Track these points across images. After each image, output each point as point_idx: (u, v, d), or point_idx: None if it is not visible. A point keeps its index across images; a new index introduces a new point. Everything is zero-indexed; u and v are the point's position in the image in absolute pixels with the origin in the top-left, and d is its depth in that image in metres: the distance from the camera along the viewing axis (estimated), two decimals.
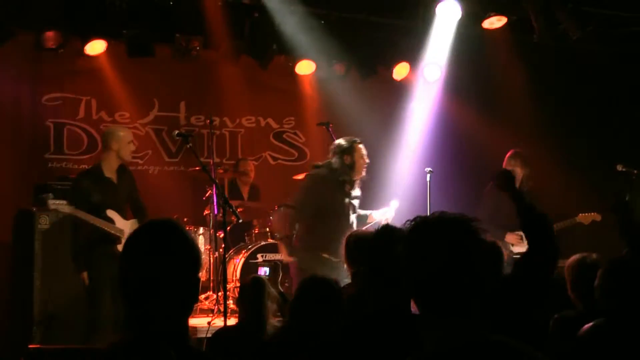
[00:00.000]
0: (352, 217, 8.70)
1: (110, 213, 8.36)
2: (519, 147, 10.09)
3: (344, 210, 8.60)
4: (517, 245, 9.48)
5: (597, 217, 9.64)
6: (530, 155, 9.99)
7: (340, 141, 8.68)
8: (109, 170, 8.54)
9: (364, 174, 8.69)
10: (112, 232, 8.22)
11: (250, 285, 6.43)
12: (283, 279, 9.55)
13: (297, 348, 4.77)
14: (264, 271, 9.49)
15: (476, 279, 2.61)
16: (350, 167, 8.60)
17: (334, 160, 8.60)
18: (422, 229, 2.74)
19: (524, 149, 10.02)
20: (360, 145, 8.68)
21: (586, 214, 9.64)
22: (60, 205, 7.99)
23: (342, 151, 8.60)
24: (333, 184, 8.55)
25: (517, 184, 9.35)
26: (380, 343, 3.89)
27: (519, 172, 9.66)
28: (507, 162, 9.84)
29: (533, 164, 9.95)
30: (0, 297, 9.87)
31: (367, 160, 8.68)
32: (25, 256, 9.38)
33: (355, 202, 8.78)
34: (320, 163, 8.84)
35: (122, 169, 8.68)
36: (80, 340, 8.39)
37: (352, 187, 8.67)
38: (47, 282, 9.24)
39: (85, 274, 8.32)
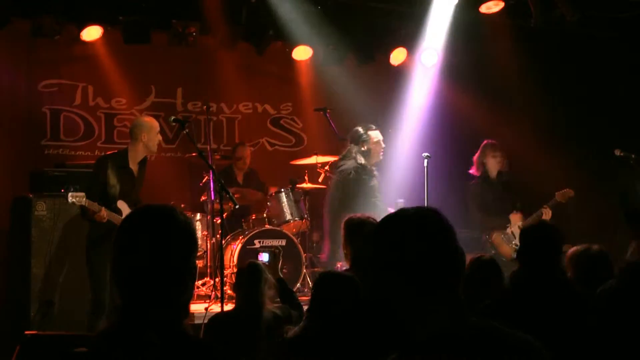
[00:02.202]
0: (377, 200, 9.16)
1: (121, 204, 8.34)
2: (502, 134, 10.28)
3: (371, 194, 9.18)
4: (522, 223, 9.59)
5: (570, 192, 9.71)
6: (499, 143, 10.10)
7: (357, 129, 9.38)
8: (133, 161, 8.51)
9: (380, 158, 9.37)
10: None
11: (247, 271, 6.42)
12: (282, 265, 9.55)
13: (319, 347, 4.72)
14: (263, 257, 9.49)
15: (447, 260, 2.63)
16: (367, 154, 9.28)
17: (352, 148, 9.28)
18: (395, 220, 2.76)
19: (494, 139, 10.16)
20: (375, 132, 9.35)
21: (561, 191, 9.70)
22: (77, 197, 7.95)
23: (358, 138, 9.29)
24: (357, 173, 9.21)
25: (495, 173, 9.64)
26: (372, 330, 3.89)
27: (496, 162, 9.82)
28: (482, 151, 9.96)
29: (504, 149, 10.09)
30: None
31: (383, 145, 9.36)
32: (22, 243, 9.38)
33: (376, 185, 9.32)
34: (340, 156, 9.53)
35: (144, 161, 8.65)
36: (80, 327, 8.39)
37: (371, 172, 9.27)
38: (44, 268, 9.25)
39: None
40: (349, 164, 9.40)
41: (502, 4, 10.89)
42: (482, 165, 9.97)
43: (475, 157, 10.02)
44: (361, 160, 9.36)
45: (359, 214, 6.22)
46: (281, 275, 7.03)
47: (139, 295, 2.73)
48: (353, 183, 9.32)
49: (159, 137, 8.65)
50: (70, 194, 7.88)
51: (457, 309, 2.57)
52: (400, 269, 2.58)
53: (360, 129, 9.44)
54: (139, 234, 2.78)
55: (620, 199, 10.24)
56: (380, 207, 8.94)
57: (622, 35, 11.50)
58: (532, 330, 2.60)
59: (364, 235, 5.45)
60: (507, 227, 9.70)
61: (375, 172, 9.36)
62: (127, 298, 2.75)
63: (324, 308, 4.84)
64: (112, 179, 8.33)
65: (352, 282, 4.90)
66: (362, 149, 9.34)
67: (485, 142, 10.05)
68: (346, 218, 6.23)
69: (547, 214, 9.52)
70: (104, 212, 8.01)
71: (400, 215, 2.71)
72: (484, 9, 10.95)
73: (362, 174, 9.34)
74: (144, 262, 2.72)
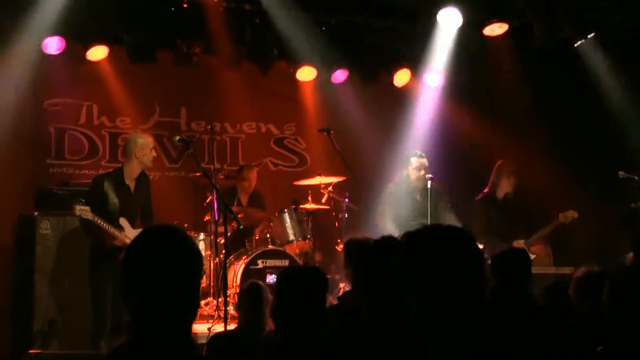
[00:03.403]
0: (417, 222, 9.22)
1: (122, 221, 8.36)
2: (507, 155, 10.25)
3: (411, 215, 9.44)
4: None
5: (574, 214, 9.72)
6: (515, 166, 10.17)
7: (407, 153, 9.91)
8: (129, 178, 8.56)
9: (419, 182, 9.57)
10: (122, 241, 8.16)
11: (247, 291, 6.45)
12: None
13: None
14: (271, 279, 9.52)
15: (476, 280, 2.65)
16: (408, 178, 9.63)
17: (402, 171, 9.78)
18: (425, 237, 2.78)
19: (507, 161, 10.19)
20: (414, 158, 9.70)
21: (564, 213, 9.71)
22: (84, 211, 7.98)
23: (403, 164, 9.77)
24: (402, 192, 9.63)
25: (502, 194, 9.69)
26: (376, 352, 3.89)
27: (509, 184, 9.85)
28: (498, 172, 9.98)
29: (518, 174, 10.12)
30: (2, 302, 9.88)
31: (422, 173, 9.60)
32: (26, 261, 9.41)
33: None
34: None
35: (141, 177, 8.68)
36: (83, 345, 8.40)
37: (414, 195, 9.58)
38: (48, 286, 9.27)
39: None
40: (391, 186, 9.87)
41: (506, 27, 10.89)
42: (494, 185, 9.97)
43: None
44: (401, 181, 9.74)
45: (359, 235, 6.23)
46: None
47: (147, 315, 2.76)
48: (386, 201, 9.70)
49: (154, 153, 8.73)
50: (77, 206, 7.93)
51: (476, 338, 2.59)
52: (421, 292, 2.60)
53: (409, 154, 9.85)
54: (148, 256, 2.82)
55: (623, 221, 10.22)
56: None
57: (625, 57, 11.50)
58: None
59: (364, 257, 5.44)
60: None
61: (430, 184, 9.48)
62: (135, 317, 2.78)
63: (291, 303, 4.70)
64: (112, 196, 8.37)
65: (318, 273, 4.84)
66: (405, 172, 9.69)
67: (501, 162, 10.08)
68: (347, 239, 6.25)
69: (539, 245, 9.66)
70: (107, 226, 8.06)
71: (430, 237, 2.74)
72: (488, 31, 10.96)
73: (397, 193, 9.68)
74: (153, 283, 2.76)
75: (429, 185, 9.28)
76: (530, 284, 6.03)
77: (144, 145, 8.59)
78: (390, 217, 9.53)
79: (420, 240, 2.79)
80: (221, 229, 8.91)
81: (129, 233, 8.26)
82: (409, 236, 2.82)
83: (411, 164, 9.58)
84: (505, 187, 9.95)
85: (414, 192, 9.66)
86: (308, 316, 4.54)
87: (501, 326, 4.60)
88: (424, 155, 9.69)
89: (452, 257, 2.68)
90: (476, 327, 2.62)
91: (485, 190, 10.03)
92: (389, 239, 4.41)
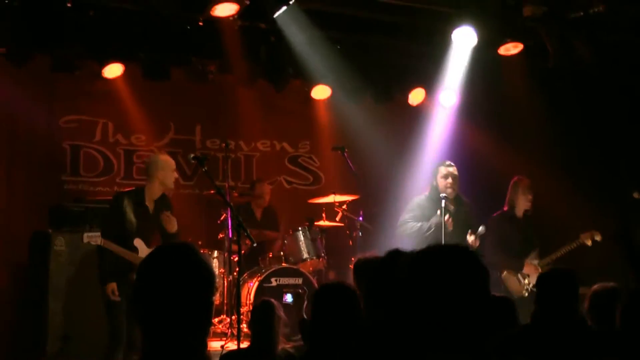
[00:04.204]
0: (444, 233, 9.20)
1: (137, 242, 8.32)
2: (522, 174, 10.19)
3: (437, 232, 9.23)
4: (533, 276, 9.45)
5: (597, 235, 9.63)
6: (531, 182, 10.10)
7: (435, 163, 9.78)
8: (149, 199, 8.48)
9: (447, 191, 9.40)
10: (136, 262, 8.12)
11: (259, 309, 6.43)
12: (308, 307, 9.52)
13: None
14: (287, 297, 9.52)
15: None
16: (436, 188, 9.48)
17: (432, 181, 9.62)
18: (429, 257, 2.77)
19: (526, 176, 10.16)
20: (442, 167, 9.57)
21: (587, 233, 9.62)
22: (93, 237, 7.95)
23: (431, 174, 9.64)
24: (429, 204, 9.51)
25: (522, 211, 9.63)
26: None
27: (527, 201, 9.80)
28: (514, 188, 9.93)
29: (534, 190, 10.07)
30: (16, 318, 9.91)
31: (449, 180, 9.45)
32: (40, 277, 9.43)
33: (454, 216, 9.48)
34: None
35: (161, 199, 8.63)
36: None
37: (443, 205, 9.31)
38: (62, 303, 9.28)
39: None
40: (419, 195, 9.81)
41: (520, 46, 10.89)
42: (512, 202, 9.91)
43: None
44: (430, 192, 9.62)
45: (368, 254, 6.21)
46: (305, 317, 6.98)
47: (160, 332, 2.75)
48: (410, 210, 9.65)
49: (175, 175, 8.63)
50: (85, 234, 7.89)
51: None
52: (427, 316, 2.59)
53: (437, 163, 9.77)
54: (160, 273, 2.81)
55: (619, 240, 10.08)
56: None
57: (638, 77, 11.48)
58: None
59: (371, 275, 5.42)
60: (521, 270, 9.61)
61: (444, 202, 9.31)
62: (148, 335, 2.77)
63: (325, 321, 4.67)
64: (130, 216, 8.31)
65: (352, 292, 4.79)
66: (433, 184, 9.57)
67: (517, 178, 10.04)
68: (356, 259, 6.23)
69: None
70: (121, 252, 8.03)
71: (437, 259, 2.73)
72: (502, 50, 10.96)
73: (423, 204, 9.61)
74: (165, 300, 2.76)
75: (442, 204, 9.22)
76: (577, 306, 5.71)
77: (166, 166, 8.50)
78: (411, 229, 9.47)
79: (420, 262, 2.78)
80: (235, 246, 8.90)
81: (143, 254, 8.22)
82: (413, 257, 2.81)
83: (439, 173, 9.49)
84: (523, 204, 9.87)
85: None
86: (345, 332, 4.50)
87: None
88: (452, 164, 9.59)
89: (450, 279, 2.66)
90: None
91: (505, 209, 9.98)
92: (393, 255, 4.39)
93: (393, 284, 4.10)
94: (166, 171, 8.49)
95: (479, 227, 9.35)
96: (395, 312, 3.71)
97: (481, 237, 9.37)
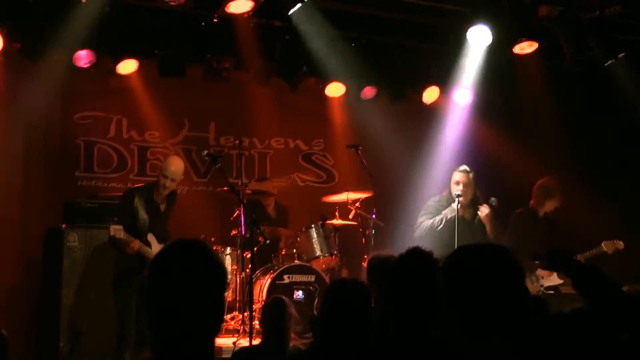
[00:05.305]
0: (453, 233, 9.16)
1: (150, 237, 8.39)
2: (548, 175, 10.04)
3: (449, 225, 9.23)
4: (547, 278, 9.41)
5: (620, 245, 9.49)
6: (558, 184, 9.94)
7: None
8: (160, 196, 8.58)
9: (458, 195, 9.29)
10: (150, 257, 8.15)
11: (270, 306, 6.44)
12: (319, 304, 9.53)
13: None
14: (299, 294, 9.53)
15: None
16: (449, 191, 9.43)
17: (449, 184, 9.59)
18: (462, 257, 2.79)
19: (552, 178, 9.99)
20: (455, 172, 9.49)
21: (609, 241, 9.51)
22: (118, 230, 8.00)
23: (450, 177, 9.53)
24: (447, 204, 9.47)
25: (544, 212, 9.53)
26: None
27: (553, 204, 9.70)
28: (545, 190, 9.79)
29: (562, 192, 9.90)
30: (29, 313, 9.93)
31: (460, 187, 9.35)
32: (54, 273, 9.46)
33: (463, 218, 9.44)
34: None
35: (171, 196, 8.71)
36: (107, 358, 8.43)
37: (457, 202, 9.32)
38: (75, 298, 9.31)
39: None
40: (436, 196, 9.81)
41: (535, 45, 10.84)
42: (537, 202, 9.79)
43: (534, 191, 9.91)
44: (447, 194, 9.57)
45: (383, 253, 6.19)
46: (315, 314, 6.98)
47: (171, 330, 2.75)
48: (426, 212, 9.61)
49: (168, 183, 8.67)
50: (112, 226, 7.94)
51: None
52: (461, 308, 2.60)
53: (455, 167, 9.70)
54: (172, 270, 2.81)
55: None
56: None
57: None
58: None
59: (386, 275, 5.39)
60: (535, 272, 9.52)
61: (456, 206, 9.27)
62: (159, 332, 2.77)
63: (335, 314, 4.59)
64: (141, 212, 8.39)
65: (363, 287, 4.74)
66: (449, 185, 9.52)
67: (546, 180, 9.93)
68: (370, 257, 6.21)
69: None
70: (136, 245, 8.06)
71: (469, 255, 2.74)
72: (517, 49, 10.91)
73: (438, 206, 9.57)
74: (176, 296, 2.75)
75: (456, 202, 9.18)
76: None
77: (163, 167, 8.72)
78: (425, 226, 9.45)
79: (458, 261, 2.79)
80: (248, 243, 8.92)
81: (155, 249, 8.28)
82: (448, 257, 2.83)
83: (452, 177, 9.46)
84: (549, 207, 9.76)
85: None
86: (355, 327, 4.47)
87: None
88: (468, 170, 9.49)
89: (490, 275, 2.68)
90: (509, 348, 2.61)
91: (531, 204, 9.85)
92: (413, 254, 4.36)
93: (412, 284, 4.12)
94: (162, 172, 8.66)
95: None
96: (409, 309, 3.71)
97: (495, 209, 9.36)
